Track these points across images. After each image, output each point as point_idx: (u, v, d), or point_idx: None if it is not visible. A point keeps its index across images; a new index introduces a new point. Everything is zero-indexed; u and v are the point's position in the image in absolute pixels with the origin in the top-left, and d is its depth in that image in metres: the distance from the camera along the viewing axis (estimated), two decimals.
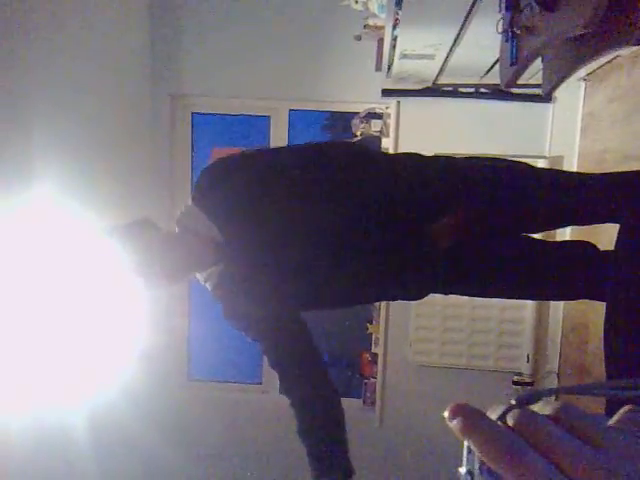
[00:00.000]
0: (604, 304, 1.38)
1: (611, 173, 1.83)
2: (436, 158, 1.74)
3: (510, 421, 0.37)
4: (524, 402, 0.38)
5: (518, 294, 1.96)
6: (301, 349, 1.78)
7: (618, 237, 1.40)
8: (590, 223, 1.71)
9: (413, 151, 1.73)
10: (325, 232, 1.56)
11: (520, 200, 1.63)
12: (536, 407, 0.38)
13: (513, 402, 0.38)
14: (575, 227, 2.74)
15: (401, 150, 3.83)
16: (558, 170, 2.07)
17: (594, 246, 1.73)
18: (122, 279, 1.65)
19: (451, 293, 1.78)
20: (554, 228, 2.20)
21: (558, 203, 1.62)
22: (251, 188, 1.57)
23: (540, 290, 1.85)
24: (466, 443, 0.37)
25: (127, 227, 1.59)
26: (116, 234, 1.57)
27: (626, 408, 0.37)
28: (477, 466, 0.38)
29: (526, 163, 1.75)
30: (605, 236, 1.66)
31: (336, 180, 1.59)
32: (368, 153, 1.70)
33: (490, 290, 1.80)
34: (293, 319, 1.75)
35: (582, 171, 3.52)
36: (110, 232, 1.58)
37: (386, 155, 1.95)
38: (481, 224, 1.65)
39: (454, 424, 0.37)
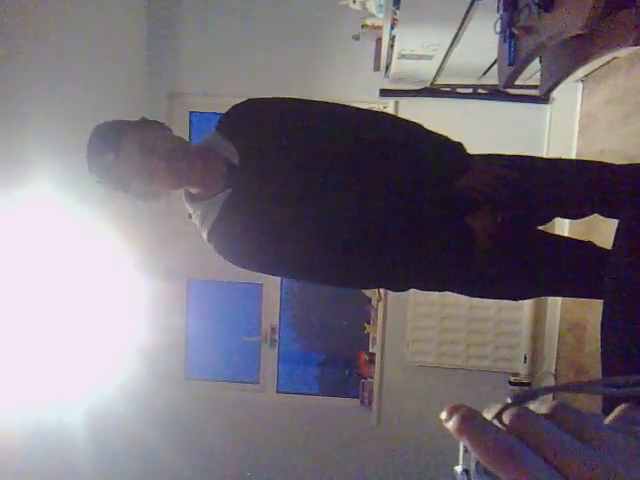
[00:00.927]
0: (601, 303, 1.38)
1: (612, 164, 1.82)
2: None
3: (506, 420, 0.37)
4: (520, 401, 0.38)
5: (522, 295, 1.96)
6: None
7: (616, 234, 1.40)
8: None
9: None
10: (349, 193, 1.56)
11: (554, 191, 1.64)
12: (532, 406, 0.38)
13: (509, 401, 0.38)
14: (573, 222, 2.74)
15: None
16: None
17: (593, 244, 1.74)
18: (121, 278, 1.65)
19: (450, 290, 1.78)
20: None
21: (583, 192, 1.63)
22: (278, 128, 1.59)
23: (545, 288, 1.86)
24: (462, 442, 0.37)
25: (144, 120, 1.57)
26: (133, 123, 1.54)
27: (622, 406, 0.37)
28: (473, 465, 0.38)
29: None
30: (602, 235, 1.66)
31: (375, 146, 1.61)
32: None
33: (497, 291, 1.80)
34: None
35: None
36: (125, 126, 1.54)
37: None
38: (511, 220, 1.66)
39: (450, 424, 0.37)
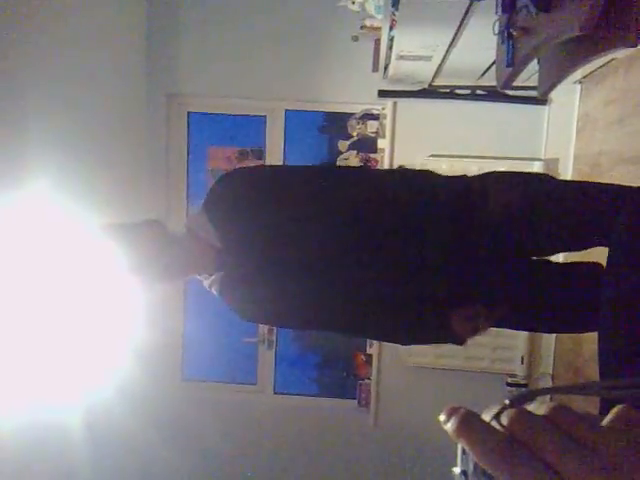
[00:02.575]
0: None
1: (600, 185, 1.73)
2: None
3: (505, 421, 0.37)
4: (518, 402, 0.38)
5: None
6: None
7: (613, 237, 1.39)
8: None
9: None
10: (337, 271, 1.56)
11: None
12: (530, 407, 0.38)
13: (507, 402, 0.38)
14: None
15: (396, 149, 3.84)
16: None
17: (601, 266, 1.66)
18: (118, 278, 1.64)
19: None
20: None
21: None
22: (261, 211, 1.55)
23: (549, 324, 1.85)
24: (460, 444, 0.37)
25: (133, 227, 1.57)
26: (121, 232, 1.56)
27: (619, 407, 0.37)
28: (471, 466, 0.38)
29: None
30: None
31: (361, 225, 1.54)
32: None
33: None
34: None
35: (576, 174, 3.53)
36: (115, 230, 1.57)
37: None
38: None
39: (448, 426, 0.37)
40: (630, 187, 1.47)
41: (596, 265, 1.65)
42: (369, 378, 4.10)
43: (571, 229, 1.52)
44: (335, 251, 1.56)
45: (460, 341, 1.60)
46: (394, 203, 1.55)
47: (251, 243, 1.56)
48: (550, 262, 1.77)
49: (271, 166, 1.73)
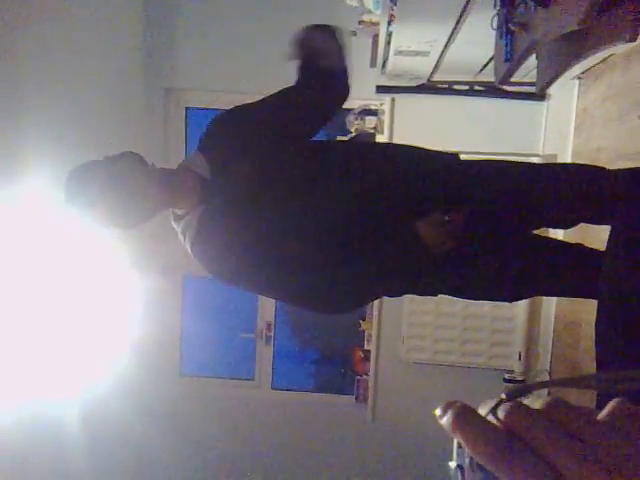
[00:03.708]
0: (596, 301, 1.38)
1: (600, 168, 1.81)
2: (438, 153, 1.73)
3: (501, 415, 0.36)
4: (514, 396, 0.38)
5: (515, 294, 1.96)
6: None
7: (611, 233, 1.40)
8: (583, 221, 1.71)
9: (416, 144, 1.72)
10: (314, 208, 1.56)
11: (525, 196, 1.63)
12: (526, 401, 0.38)
13: (503, 396, 0.38)
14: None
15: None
16: (557, 164, 2.07)
17: (586, 247, 1.75)
18: (115, 272, 1.64)
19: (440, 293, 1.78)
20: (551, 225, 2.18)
21: (563, 197, 1.62)
22: (253, 135, 1.62)
23: (536, 288, 1.86)
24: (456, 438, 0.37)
25: (112, 159, 1.59)
26: (101, 165, 1.56)
27: (616, 401, 0.37)
28: (467, 461, 0.38)
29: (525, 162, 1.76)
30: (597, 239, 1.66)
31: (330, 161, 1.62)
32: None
33: (488, 292, 1.80)
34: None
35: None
36: (96, 165, 1.56)
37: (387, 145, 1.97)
38: (479, 225, 1.64)
39: (444, 421, 0.37)
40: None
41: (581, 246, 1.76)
42: (367, 374, 4.11)
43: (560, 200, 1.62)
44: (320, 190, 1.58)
45: (430, 252, 1.56)
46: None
47: (239, 172, 1.58)
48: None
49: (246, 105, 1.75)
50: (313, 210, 1.56)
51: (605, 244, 1.41)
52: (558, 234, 3.10)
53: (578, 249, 1.76)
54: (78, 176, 1.57)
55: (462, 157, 1.72)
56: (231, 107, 1.73)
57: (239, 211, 1.56)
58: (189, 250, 1.60)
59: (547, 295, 3.08)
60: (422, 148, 1.71)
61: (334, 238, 1.55)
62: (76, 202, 1.52)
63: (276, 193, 1.57)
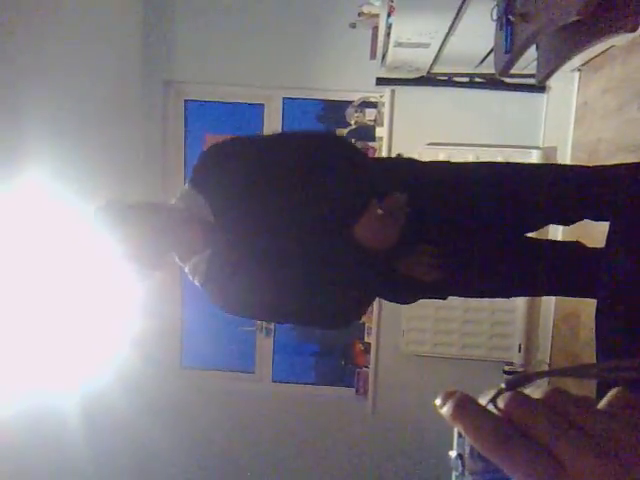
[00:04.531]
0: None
1: (600, 167, 1.83)
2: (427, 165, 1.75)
3: (501, 404, 0.37)
4: (514, 386, 0.38)
5: (512, 293, 1.97)
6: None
7: (611, 227, 1.40)
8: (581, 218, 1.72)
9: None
10: (309, 228, 1.57)
11: (518, 198, 1.64)
12: (526, 391, 0.38)
13: (503, 386, 0.38)
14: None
15: (395, 138, 3.83)
16: (549, 165, 2.08)
17: (583, 245, 1.77)
18: (114, 266, 1.64)
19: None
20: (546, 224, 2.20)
21: (554, 198, 1.63)
22: (247, 174, 1.58)
23: (532, 289, 1.87)
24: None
25: (133, 208, 1.58)
26: (121, 214, 1.56)
27: (615, 390, 0.37)
28: (467, 450, 0.38)
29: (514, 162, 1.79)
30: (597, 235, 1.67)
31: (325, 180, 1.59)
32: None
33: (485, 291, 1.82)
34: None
35: (574, 162, 3.53)
36: (114, 210, 1.56)
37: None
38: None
39: (444, 410, 0.37)
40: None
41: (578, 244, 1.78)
42: (367, 366, 4.11)
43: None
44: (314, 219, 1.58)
45: (424, 284, 1.60)
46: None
47: (240, 207, 1.58)
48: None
49: (250, 136, 1.74)
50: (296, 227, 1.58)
51: (605, 238, 1.42)
52: (558, 231, 3.11)
53: (572, 247, 1.78)
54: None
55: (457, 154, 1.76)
56: (225, 140, 1.70)
57: (244, 248, 1.58)
58: (200, 287, 1.65)
59: (544, 295, 3.10)
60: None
61: (315, 260, 1.58)
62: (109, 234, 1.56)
63: (280, 224, 1.58)
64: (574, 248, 1.79)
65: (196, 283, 1.65)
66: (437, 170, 1.72)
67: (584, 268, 1.68)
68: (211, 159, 1.64)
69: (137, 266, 1.58)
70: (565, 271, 1.74)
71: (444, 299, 1.89)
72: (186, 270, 1.67)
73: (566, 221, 1.87)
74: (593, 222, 1.69)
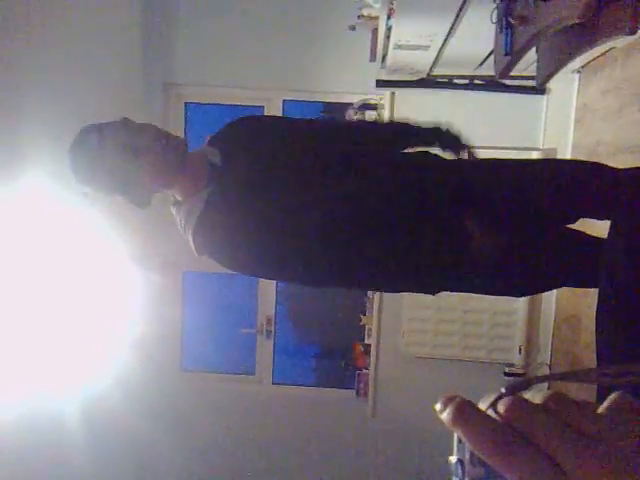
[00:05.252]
0: (596, 294, 1.38)
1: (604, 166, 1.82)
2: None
3: (501, 409, 0.36)
4: (514, 390, 0.38)
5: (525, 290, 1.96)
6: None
7: (611, 226, 1.40)
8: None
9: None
10: (342, 186, 1.58)
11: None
12: (527, 395, 0.38)
13: (503, 390, 0.38)
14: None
15: None
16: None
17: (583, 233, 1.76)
18: (115, 267, 1.64)
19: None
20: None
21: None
22: (264, 136, 1.67)
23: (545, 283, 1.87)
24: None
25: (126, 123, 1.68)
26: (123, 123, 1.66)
27: (616, 395, 0.37)
28: (467, 455, 0.38)
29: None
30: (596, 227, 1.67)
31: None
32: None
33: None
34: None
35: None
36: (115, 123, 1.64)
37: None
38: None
39: (444, 415, 0.37)
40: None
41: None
42: (367, 368, 4.11)
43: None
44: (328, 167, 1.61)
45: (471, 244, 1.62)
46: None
47: (246, 154, 1.62)
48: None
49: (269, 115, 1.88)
50: (321, 200, 1.56)
51: (605, 237, 1.41)
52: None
53: (577, 235, 1.77)
54: (72, 152, 1.65)
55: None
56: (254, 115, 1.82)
57: (248, 194, 1.56)
58: (191, 231, 1.59)
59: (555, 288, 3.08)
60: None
61: (339, 228, 1.55)
62: (87, 142, 1.66)
63: (286, 179, 1.58)
64: (578, 235, 1.79)
65: (187, 233, 1.60)
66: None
67: (590, 255, 1.68)
68: (235, 124, 1.75)
69: (130, 197, 1.63)
70: (571, 259, 1.74)
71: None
72: (177, 216, 1.65)
73: (567, 219, 1.86)
74: (592, 222, 1.68)
